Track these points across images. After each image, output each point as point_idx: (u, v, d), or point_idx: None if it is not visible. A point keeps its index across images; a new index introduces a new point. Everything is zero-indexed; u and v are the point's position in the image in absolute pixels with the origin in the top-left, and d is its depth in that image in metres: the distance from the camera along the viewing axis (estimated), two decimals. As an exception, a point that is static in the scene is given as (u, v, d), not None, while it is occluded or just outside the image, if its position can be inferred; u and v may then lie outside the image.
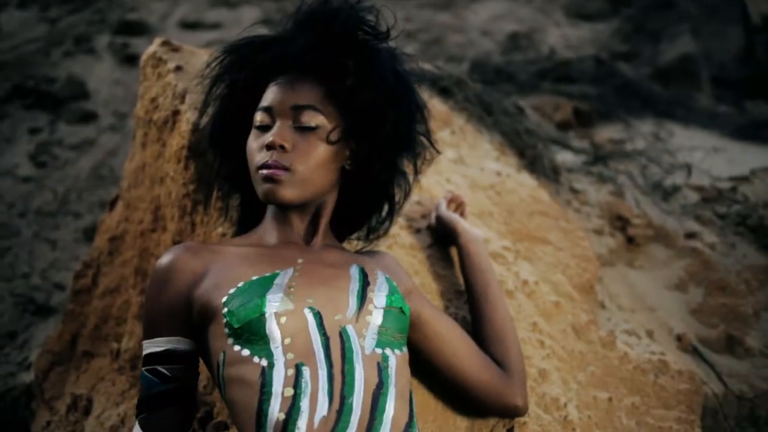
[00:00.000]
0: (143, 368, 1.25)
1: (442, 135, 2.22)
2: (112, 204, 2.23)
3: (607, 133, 3.65)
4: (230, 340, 1.15)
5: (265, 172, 1.25)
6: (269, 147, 1.26)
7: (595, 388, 1.70)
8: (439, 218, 1.77)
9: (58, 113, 4.57)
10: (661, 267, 2.40)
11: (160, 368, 1.23)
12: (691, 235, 2.50)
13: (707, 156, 3.18)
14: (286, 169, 1.25)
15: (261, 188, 1.27)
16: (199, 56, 2.01)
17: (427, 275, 1.71)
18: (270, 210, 1.38)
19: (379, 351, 1.18)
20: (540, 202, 2.19)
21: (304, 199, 1.29)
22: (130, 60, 4.98)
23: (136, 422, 1.24)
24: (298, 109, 1.28)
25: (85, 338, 2.06)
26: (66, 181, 4.06)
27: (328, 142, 1.28)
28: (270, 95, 1.31)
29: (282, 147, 1.25)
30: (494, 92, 3.08)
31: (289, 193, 1.25)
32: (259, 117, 1.31)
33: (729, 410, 1.87)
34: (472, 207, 1.95)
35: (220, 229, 1.67)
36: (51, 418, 1.96)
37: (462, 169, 2.19)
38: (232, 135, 1.39)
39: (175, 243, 1.76)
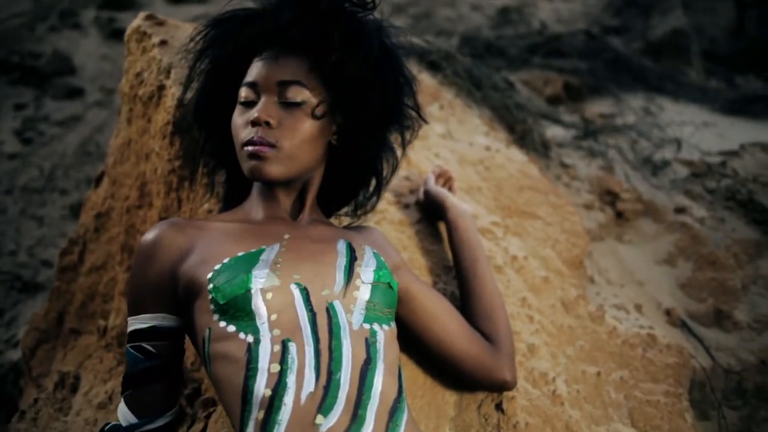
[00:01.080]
0: (128, 345, 1.24)
1: (430, 110, 2.20)
2: (98, 181, 2.20)
3: (597, 107, 3.64)
4: (216, 317, 1.14)
5: (250, 149, 1.23)
6: (254, 123, 1.23)
7: (584, 363, 1.70)
8: (427, 193, 1.76)
9: (44, 89, 4.53)
10: (651, 241, 2.41)
11: (145, 345, 1.22)
12: (680, 210, 2.50)
13: (697, 130, 3.18)
14: (272, 145, 1.23)
15: (246, 165, 1.26)
16: (184, 30, 1.98)
17: (415, 250, 1.70)
18: (256, 186, 1.36)
19: (366, 326, 1.17)
20: (529, 177, 2.18)
21: (291, 176, 1.28)
22: (117, 35, 4.91)
23: (122, 399, 1.23)
24: (283, 85, 1.25)
25: (72, 316, 2.04)
26: (52, 158, 4.03)
27: (314, 117, 1.26)
28: (254, 70, 1.28)
29: (267, 123, 1.23)
30: (484, 67, 3.05)
31: (275, 169, 1.24)
32: (243, 93, 1.29)
33: (717, 383, 1.88)
34: (461, 182, 1.94)
35: (206, 206, 1.66)
36: (38, 395, 1.95)
37: (451, 144, 2.17)
38: (216, 110, 1.37)
39: (161, 219, 1.74)
